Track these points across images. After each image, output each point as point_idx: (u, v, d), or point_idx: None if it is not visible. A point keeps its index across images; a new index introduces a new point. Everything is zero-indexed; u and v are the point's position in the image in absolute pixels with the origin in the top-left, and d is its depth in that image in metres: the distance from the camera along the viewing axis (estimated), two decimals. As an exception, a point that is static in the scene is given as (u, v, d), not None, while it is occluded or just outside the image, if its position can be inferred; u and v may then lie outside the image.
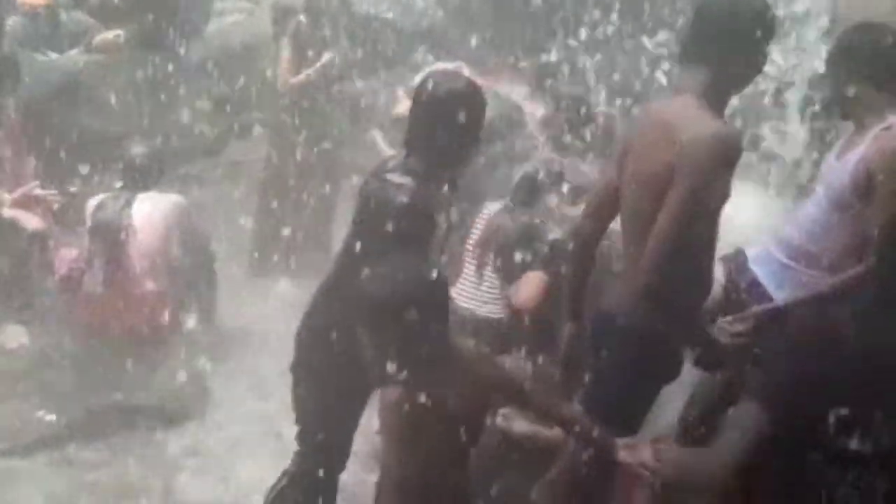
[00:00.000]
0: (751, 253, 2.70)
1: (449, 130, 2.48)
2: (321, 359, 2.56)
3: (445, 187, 2.52)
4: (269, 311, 4.15)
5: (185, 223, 3.96)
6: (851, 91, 2.51)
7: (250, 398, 3.78)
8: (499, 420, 3.00)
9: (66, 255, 3.91)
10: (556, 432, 2.77)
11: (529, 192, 3.40)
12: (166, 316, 3.76)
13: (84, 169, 4.33)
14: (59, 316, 4.02)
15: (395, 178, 2.50)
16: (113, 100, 5.03)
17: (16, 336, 4.03)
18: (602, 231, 2.49)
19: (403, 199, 2.44)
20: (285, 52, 4.84)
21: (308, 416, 2.67)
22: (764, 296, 2.59)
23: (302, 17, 4.87)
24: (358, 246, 2.50)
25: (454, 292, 3.20)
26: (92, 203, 3.94)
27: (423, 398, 2.04)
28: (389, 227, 2.36)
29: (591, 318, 2.50)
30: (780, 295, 2.55)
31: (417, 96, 2.59)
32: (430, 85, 2.55)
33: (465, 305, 3.36)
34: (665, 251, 2.17)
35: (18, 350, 3.98)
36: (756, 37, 2.25)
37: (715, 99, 2.28)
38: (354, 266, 2.46)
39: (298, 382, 2.67)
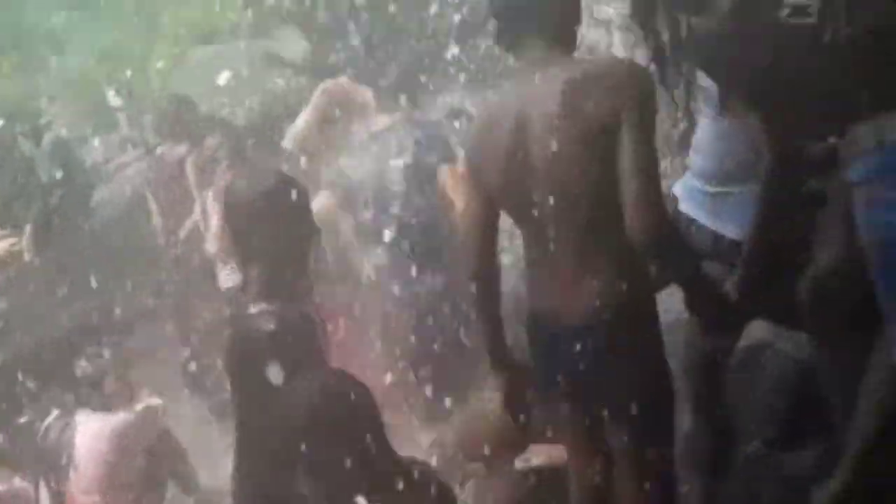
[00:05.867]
0: (677, 192, 2.47)
1: (280, 232, 2.24)
2: None
3: (305, 287, 2.30)
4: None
5: (135, 441, 3.53)
6: None
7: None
8: (518, 464, 2.83)
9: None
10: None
11: None
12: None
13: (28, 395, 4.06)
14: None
15: (253, 309, 2.25)
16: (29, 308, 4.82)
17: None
18: (497, 261, 2.21)
19: (270, 326, 2.19)
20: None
21: None
22: (702, 230, 2.34)
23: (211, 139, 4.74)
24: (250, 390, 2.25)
25: None
26: (41, 428, 3.61)
27: None
28: (273, 358, 2.10)
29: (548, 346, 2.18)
30: (717, 224, 2.31)
31: (229, 207, 2.33)
32: (238, 192, 2.31)
33: None
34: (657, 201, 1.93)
35: None
36: None
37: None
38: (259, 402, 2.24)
39: None
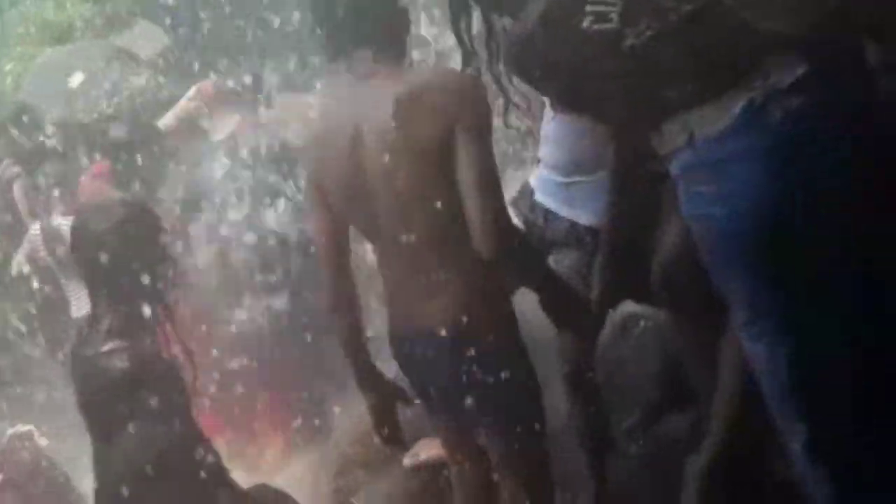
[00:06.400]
0: (533, 184, 2.48)
1: (131, 266, 2.19)
2: None
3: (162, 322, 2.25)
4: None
5: (11, 464, 3.40)
6: None
7: None
8: (406, 461, 2.83)
9: None
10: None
11: None
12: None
13: None
14: None
15: (105, 346, 2.19)
16: None
17: None
18: (352, 279, 2.16)
19: (123, 364, 2.13)
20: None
21: None
22: (558, 219, 2.38)
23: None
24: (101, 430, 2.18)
25: None
26: None
27: None
28: (124, 397, 2.09)
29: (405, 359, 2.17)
30: (571, 212, 2.36)
31: (77, 238, 2.27)
32: (86, 226, 2.25)
33: None
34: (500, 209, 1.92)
35: None
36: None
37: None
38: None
39: None
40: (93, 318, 2.25)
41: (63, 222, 3.93)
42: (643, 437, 2.81)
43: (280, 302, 3.27)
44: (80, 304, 3.89)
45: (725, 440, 2.19)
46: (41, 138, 4.45)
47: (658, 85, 1.65)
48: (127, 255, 2.19)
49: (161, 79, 5.22)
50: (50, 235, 4.08)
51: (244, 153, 3.38)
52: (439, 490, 2.68)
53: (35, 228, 4.19)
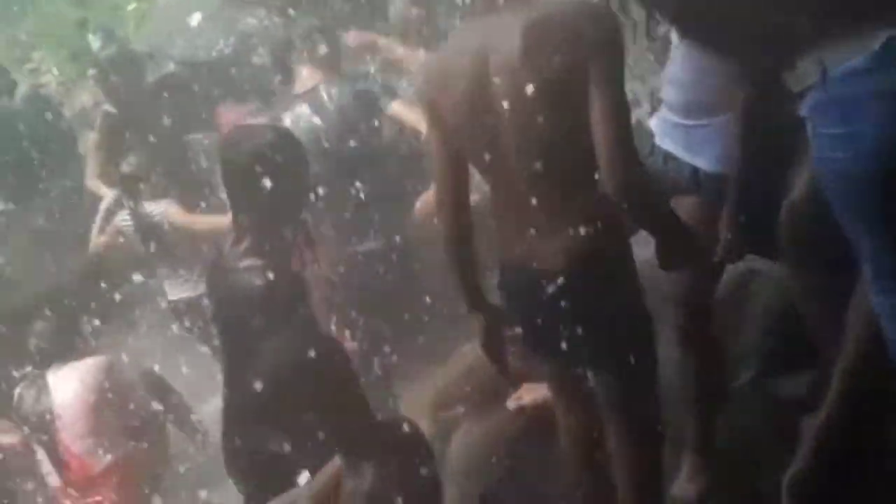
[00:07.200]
0: (653, 126, 2.38)
1: (276, 188, 2.20)
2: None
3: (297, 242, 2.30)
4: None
5: (113, 381, 3.49)
6: None
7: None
8: (510, 403, 2.82)
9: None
10: None
11: None
12: (140, 474, 3.42)
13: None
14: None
15: (243, 263, 2.24)
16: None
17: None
18: (470, 215, 2.10)
19: (258, 282, 2.18)
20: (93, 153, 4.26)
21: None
22: (680, 164, 2.26)
23: (108, 107, 4.36)
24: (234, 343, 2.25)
25: None
26: (15, 395, 3.51)
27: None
28: (259, 313, 2.15)
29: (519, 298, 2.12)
30: (693, 158, 2.23)
31: (226, 162, 2.32)
32: (236, 147, 2.30)
33: None
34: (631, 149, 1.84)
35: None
36: None
37: None
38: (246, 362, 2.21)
39: None
40: (234, 236, 2.31)
41: (155, 209, 3.78)
42: (760, 394, 2.73)
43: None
44: (174, 289, 3.84)
45: (847, 399, 2.09)
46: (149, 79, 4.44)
47: (792, 16, 1.56)
48: (272, 178, 2.21)
49: (275, 18, 5.25)
50: (141, 224, 3.84)
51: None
52: (537, 435, 2.68)
53: (122, 214, 3.93)
